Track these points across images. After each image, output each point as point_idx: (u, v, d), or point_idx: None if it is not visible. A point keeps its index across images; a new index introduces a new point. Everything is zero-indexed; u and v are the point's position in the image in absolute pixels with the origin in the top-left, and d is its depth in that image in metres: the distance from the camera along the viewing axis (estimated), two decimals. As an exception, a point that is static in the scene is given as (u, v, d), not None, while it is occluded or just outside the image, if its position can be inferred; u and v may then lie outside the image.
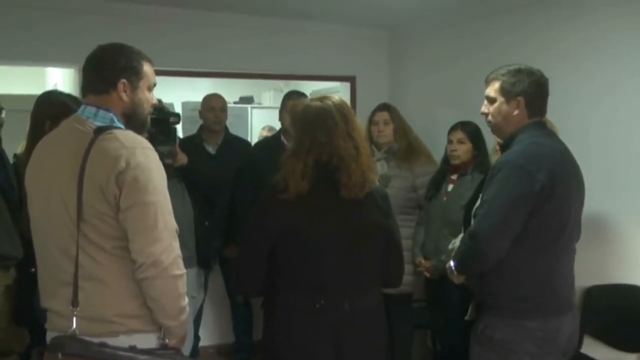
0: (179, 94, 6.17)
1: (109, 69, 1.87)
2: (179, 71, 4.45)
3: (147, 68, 1.94)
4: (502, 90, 2.26)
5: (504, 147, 2.29)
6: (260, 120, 6.87)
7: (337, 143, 2.07)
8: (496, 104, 2.28)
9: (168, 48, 4.12)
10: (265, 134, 6.07)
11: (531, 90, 2.23)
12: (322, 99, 2.15)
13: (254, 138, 6.34)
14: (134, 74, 1.90)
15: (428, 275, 3.46)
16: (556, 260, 2.21)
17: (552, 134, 2.30)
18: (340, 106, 2.14)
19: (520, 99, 2.23)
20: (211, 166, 3.87)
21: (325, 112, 2.10)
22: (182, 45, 4.27)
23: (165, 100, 3.72)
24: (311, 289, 2.07)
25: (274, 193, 2.08)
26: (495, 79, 2.29)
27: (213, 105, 4.04)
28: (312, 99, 2.18)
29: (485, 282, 2.24)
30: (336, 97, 2.19)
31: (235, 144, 4.09)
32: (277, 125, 4.25)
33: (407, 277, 3.51)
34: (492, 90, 2.29)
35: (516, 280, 2.18)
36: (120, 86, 1.88)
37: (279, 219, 2.06)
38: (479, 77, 2.43)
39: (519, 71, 2.25)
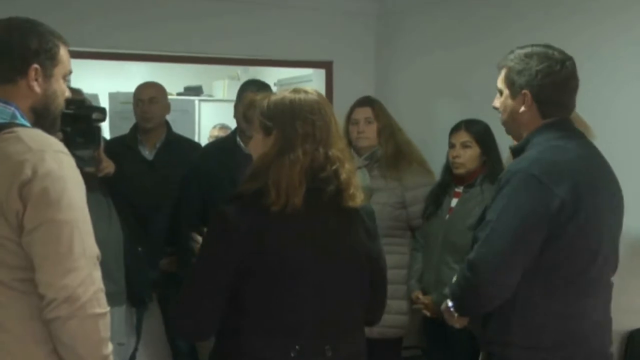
0: (105, 82, 6.14)
1: (17, 52, 1.87)
2: (105, 53, 4.42)
3: (63, 52, 1.95)
4: (507, 81, 2.28)
5: (515, 152, 2.30)
6: (210, 117, 6.86)
7: (332, 142, 2.10)
8: (502, 98, 2.31)
9: (89, 24, 4.08)
10: (217, 133, 6.07)
11: (540, 82, 2.21)
12: (302, 91, 2.16)
13: (202, 139, 6.33)
14: (49, 59, 1.90)
15: (428, 314, 3.47)
16: (584, 297, 2.20)
17: (577, 136, 2.29)
18: (326, 101, 2.17)
19: (526, 92, 2.23)
20: (147, 175, 3.85)
21: (317, 105, 2.12)
22: (108, 20, 4.23)
23: (87, 90, 3.70)
24: (285, 333, 2.06)
25: (244, 207, 2.06)
26: (503, 65, 2.30)
27: (140, 97, 4.03)
28: (286, 92, 2.18)
29: (490, 327, 2.24)
30: (314, 90, 2.20)
31: (179, 147, 4.08)
32: (232, 123, 4.25)
33: (397, 317, 3.58)
34: (500, 79, 2.31)
35: (529, 325, 2.17)
36: (32, 73, 1.87)
37: (248, 241, 2.03)
38: (490, 63, 2.45)
39: (529, 55, 2.24)
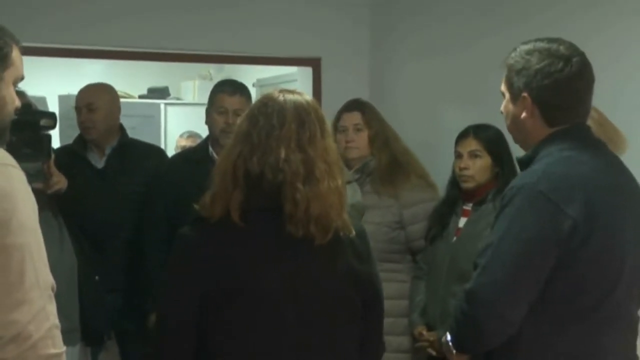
0: (54, 83, 6.15)
1: None
2: (55, 49, 4.43)
3: (15, 54, 1.94)
4: (507, 82, 2.27)
5: (522, 165, 2.30)
6: (178, 123, 6.87)
7: (274, 149, 2.10)
8: (504, 102, 2.30)
9: (36, 16, 4.10)
10: (185, 143, 6.08)
11: (540, 83, 2.19)
12: (285, 91, 2.21)
13: (169, 149, 6.34)
14: None
15: (433, 353, 3.46)
16: (599, 336, 2.18)
17: (593, 145, 2.27)
18: (301, 107, 2.18)
19: (526, 95, 2.21)
20: (99, 187, 3.84)
21: (275, 106, 2.15)
22: (58, 12, 4.25)
23: (32, 92, 3.71)
24: None
25: (195, 230, 2.11)
26: (505, 63, 2.29)
27: (77, 104, 4.01)
28: (275, 90, 2.24)
29: None
30: (307, 96, 2.24)
31: (135, 151, 4.04)
32: (203, 131, 4.26)
33: (398, 356, 3.57)
34: (503, 81, 2.30)
35: None
36: None
37: (203, 268, 2.08)
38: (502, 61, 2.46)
39: (530, 52, 2.23)
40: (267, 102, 2.17)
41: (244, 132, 2.14)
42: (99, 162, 3.97)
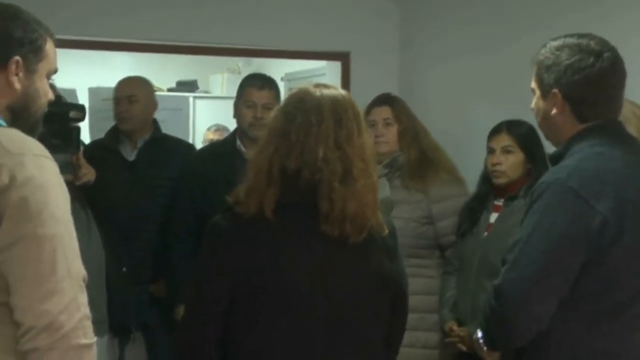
0: (85, 76, 6.19)
1: None
2: (85, 42, 4.45)
3: (49, 46, 1.96)
4: (538, 79, 2.26)
5: (553, 161, 2.29)
6: (206, 116, 6.89)
7: (312, 147, 2.08)
8: (534, 99, 2.29)
9: (68, 8, 4.11)
10: (213, 136, 6.10)
11: (570, 79, 2.18)
12: (321, 86, 2.19)
13: (197, 142, 6.37)
14: (33, 52, 1.91)
15: (464, 348, 3.45)
16: (632, 333, 2.17)
17: (625, 140, 2.25)
18: (339, 103, 2.15)
19: (556, 92, 2.20)
20: (129, 180, 3.86)
21: (313, 102, 2.13)
22: (89, 4, 4.27)
23: (62, 85, 3.73)
24: None
25: (228, 220, 2.10)
26: (535, 59, 2.28)
27: (117, 95, 4.05)
28: (310, 84, 2.21)
29: None
30: (343, 91, 2.22)
31: (166, 146, 4.08)
32: (231, 124, 4.26)
33: (425, 352, 3.57)
34: (533, 77, 2.29)
35: None
36: (12, 66, 1.88)
37: (235, 259, 2.07)
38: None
39: (560, 48, 2.21)
40: (303, 97, 2.14)
41: (280, 129, 2.12)
42: (130, 155, 3.99)
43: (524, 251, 2.11)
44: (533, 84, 2.29)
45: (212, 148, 4.34)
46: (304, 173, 2.06)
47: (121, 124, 4.00)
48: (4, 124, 1.88)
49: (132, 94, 3.98)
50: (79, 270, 1.81)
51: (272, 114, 2.21)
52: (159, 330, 3.83)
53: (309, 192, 2.07)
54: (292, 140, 2.08)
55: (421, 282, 3.57)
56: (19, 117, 1.92)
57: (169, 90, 7.16)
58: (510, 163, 3.42)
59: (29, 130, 1.92)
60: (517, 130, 3.44)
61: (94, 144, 4.15)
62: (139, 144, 3.99)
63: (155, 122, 4.11)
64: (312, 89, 2.15)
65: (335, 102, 2.14)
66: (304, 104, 2.12)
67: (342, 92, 2.21)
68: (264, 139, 2.16)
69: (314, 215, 2.08)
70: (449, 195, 3.70)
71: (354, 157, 2.10)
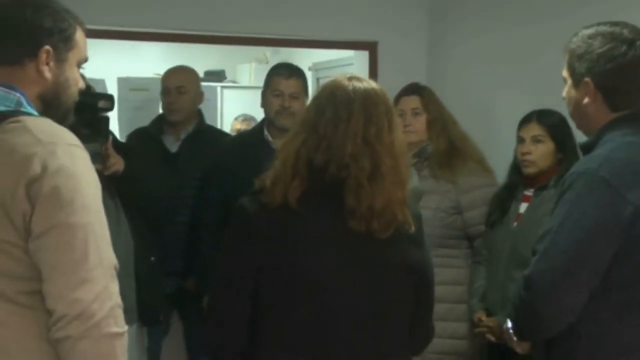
0: (113, 66, 6.21)
1: (29, 30, 1.89)
2: (114, 32, 4.47)
3: (79, 35, 1.98)
4: (569, 68, 2.25)
5: (585, 150, 2.28)
6: (234, 106, 6.91)
7: (341, 143, 2.07)
8: (566, 88, 2.28)
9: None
10: (240, 126, 6.11)
11: (603, 68, 2.17)
12: (354, 78, 2.17)
13: (225, 131, 6.40)
14: (63, 41, 1.93)
15: (492, 338, 3.44)
16: None
17: None
18: (369, 98, 2.13)
19: (588, 81, 2.19)
20: (168, 170, 3.89)
21: (343, 96, 2.12)
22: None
23: (91, 75, 3.75)
24: (310, 355, 2.09)
25: (255, 204, 2.10)
26: (566, 48, 2.27)
27: (166, 85, 4.07)
28: (345, 75, 2.19)
29: (554, 355, 2.23)
30: (376, 85, 2.20)
31: (209, 138, 4.10)
32: (258, 114, 4.27)
33: (453, 342, 3.57)
34: (564, 66, 2.28)
35: (598, 356, 2.14)
36: (42, 56, 1.90)
37: (261, 243, 2.08)
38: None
39: (592, 36, 2.20)
40: (335, 90, 2.13)
41: (310, 121, 2.12)
42: (173, 146, 4.03)
43: (554, 241, 2.10)
44: (564, 73, 2.27)
45: (240, 138, 4.37)
46: (331, 168, 2.06)
47: (169, 115, 4.04)
48: (35, 113, 1.89)
49: (182, 85, 4.02)
50: (111, 258, 1.83)
51: (304, 104, 2.22)
52: (194, 319, 3.86)
53: (336, 187, 2.07)
54: (320, 134, 2.08)
55: (449, 273, 3.57)
56: (50, 106, 1.94)
57: (197, 80, 7.18)
58: (540, 153, 3.41)
59: (60, 119, 1.94)
60: (547, 120, 3.43)
61: (138, 132, 4.18)
62: (182, 136, 4.04)
63: (200, 113, 4.13)
64: (345, 82, 2.14)
65: (366, 97, 2.12)
66: (335, 98, 2.11)
67: (375, 86, 2.19)
68: (293, 130, 2.16)
69: (340, 210, 2.07)
70: (477, 185, 3.69)
71: (383, 153, 2.09)
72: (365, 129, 2.09)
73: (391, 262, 2.15)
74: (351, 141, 2.07)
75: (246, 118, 6.23)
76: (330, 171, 2.06)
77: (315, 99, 2.17)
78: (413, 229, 2.16)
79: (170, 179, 3.80)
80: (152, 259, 3.34)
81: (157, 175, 3.60)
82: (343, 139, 2.07)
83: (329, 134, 2.08)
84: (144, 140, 3.96)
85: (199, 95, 4.13)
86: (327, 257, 2.09)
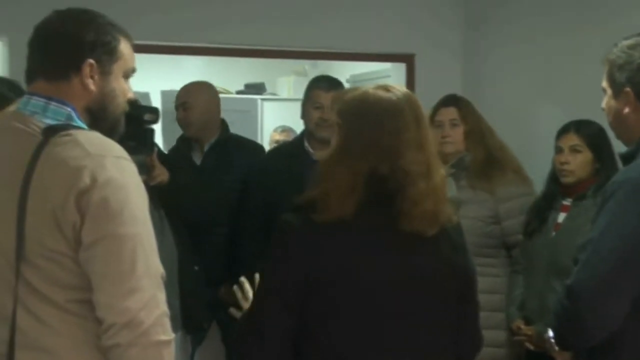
0: (157, 79, 6.26)
1: (71, 45, 1.90)
2: (158, 46, 4.51)
3: (124, 47, 1.99)
4: (609, 78, 2.23)
5: (625, 160, 2.26)
6: (274, 118, 6.92)
7: (403, 152, 2.07)
8: (606, 98, 2.26)
9: (142, 14, 4.17)
10: (279, 137, 6.13)
11: None
12: (386, 88, 2.16)
13: (265, 143, 6.41)
14: (106, 54, 1.94)
15: (531, 347, 3.43)
16: None
17: None
18: (412, 102, 2.14)
19: (628, 91, 2.17)
20: (197, 184, 3.89)
21: (394, 106, 2.11)
22: (161, 10, 4.32)
23: (137, 88, 3.79)
24: None
25: (302, 219, 2.07)
26: (606, 59, 2.25)
27: (175, 103, 4.08)
28: (370, 87, 2.18)
29: None
30: (404, 89, 2.20)
31: (232, 148, 4.07)
32: (297, 125, 4.28)
33: (492, 350, 3.49)
34: (604, 77, 2.26)
35: None
36: (86, 69, 1.91)
37: (309, 258, 2.05)
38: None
39: (632, 47, 2.19)
40: (379, 102, 2.11)
41: (366, 135, 2.08)
42: (198, 159, 4.03)
43: (596, 251, 2.08)
44: (604, 84, 2.26)
45: (281, 149, 4.40)
46: (393, 177, 2.05)
47: (183, 131, 4.06)
48: (85, 126, 1.91)
49: (185, 101, 4.00)
50: (158, 268, 1.84)
51: (346, 119, 2.16)
52: (233, 327, 3.86)
53: (393, 195, 2.06)
54: (384, 146, 2.06)
55: (488, 281, 3.54)
56: (98, 118, 1.95)
57: (238, 92, 7.20)
58: (578, 162, 3.39)
59: (110, 130, 1.96)
60: (585, 130, 3.41)
61: (171, 150, 4.21)
62: (206, 148, 4.03)
63: (223, 123, 4.12)
64: (383, 93, 2.12)
65: (411, 103, 2.13)
66: (386, 110, 2.10)
67: (407, 91, 2.20)
68: (342, 145, 2.11)
69: (392, 218, 2.06)
70: (515, 195, 3.67)
71: (430, 155, 2.11)
72: (417, 134, 2.10)
73: (438, 266, 2.14)
74: (411, 148, 2.08)
75: (284, 129, 6.24)
76: (392, 180, 2.05)
77: (361, 114, 2.12)
78: (455, 219, 2.16)
79: (200, 191, 3.80)
80: (196, 268, 3.34)
81: (188, 187, 3.62)
82: (405, 147, 2.07)
83: (391, 145, 2.07)
84: (175, 155, 3.98)
85: (212, 108, 4.05)
86: (378, 268, 2.07)
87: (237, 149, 4.08)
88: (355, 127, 2.11)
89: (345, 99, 2.17)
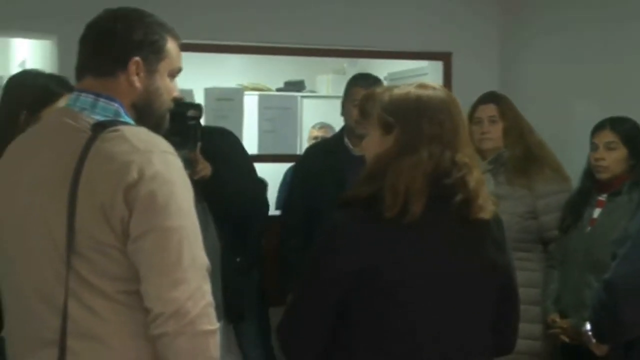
0: (201, 77, 6.28)
1: (119, 43, 1.91)
2: (201, 45, 4.53)
3: (171, 46, 1.99)
4: None
5: None
6: (313, 114, 6.92)
7: (460, 146, 2.08)
8: None
9: (187, 14, 4.20)
10: (317, 133, 6.13)
11: None
12: (426, 87, 2.15)
13: (304, 139, 6.42)
14: (153, 52, 1.94)
15: (566, 340, 3.42)
16: None
17: None
18: (455, 99, 2.16)
19: None
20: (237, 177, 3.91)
21: (445, 103, 2.11)
22: (205, 10, 4.35)
23: (181, 85, 3.81)
24: (401, 357, 2.06)
25: (355, 214, 2.05)
26: None
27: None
28: (410, 86, 2.16)
29: (633, 357, 2.19)
30: (440, 85, 2.21)
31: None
32: (335, 122, 4.27)
33: (528, 343, 3.50)
34: None
35: None
36: (132, 67, 1.92)
37: (360, 253, 2.03)
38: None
39: None
40: (434, 100, 2.11)
41: (426, 134, 2.07)
42: None
43: (636, 246, 2.09)
44: None
45: (321, 145, 4.41)
46: (454, 169, 2.05)
47: None
48: (132, 122, 1.92)
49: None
50: (203, 260, 1.84)
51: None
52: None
53: (453, 186, 2.05)
54: (444, 142, 2.06)
55: (525, 275, 3.50)
56: (143, 114, 1.96)
57: (278, 90, 7.21)
58: (613, 159, 3.38)
59: (155, 126, 1.96)
60: (621, 127, 3.38)
61: None
62: None
63: None
64: (431, 91, 2.12)
65: (454, 99, 2.14)
66: (440, 106, 2.09)
67: (444, 88, 2.21)
68: (405, 141, 2.08)
69: (453, 207, 2.05)
70: (553, 191, 3.66)
71: (471, 149, 2.14)
72: (466, 129, 2.14)
73: (480, 264, 2.12)
74: (465, 142, 2.10)
75: (323, 125, 6.24)
76: (452, 173, 2.05)
77: (417, 112, 2.09)
78: (495, 204, 2.15)
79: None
80: (238, 259, 3.36)
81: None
82: (461, 141, 2.08)
83: (450, 140, 2.06)
84: None
85: None
86: (425, 263, 2.05)
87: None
88: (414, 125, 2.08)
89: (393, 98, 2.13)
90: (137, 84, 1.93)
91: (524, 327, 3.46)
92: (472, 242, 2.10)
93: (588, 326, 2.31)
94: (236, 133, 4.25)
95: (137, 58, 1.92)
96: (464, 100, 3.85)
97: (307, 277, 2.13)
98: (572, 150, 3.81)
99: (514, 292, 2.24)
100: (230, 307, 3.28)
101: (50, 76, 2.87)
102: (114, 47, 1.92)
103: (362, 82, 3.79)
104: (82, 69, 1.96)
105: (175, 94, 2.05)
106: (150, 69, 1.95)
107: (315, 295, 2.09)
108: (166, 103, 2.02)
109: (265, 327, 3.87)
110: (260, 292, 3.87)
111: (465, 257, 2.10)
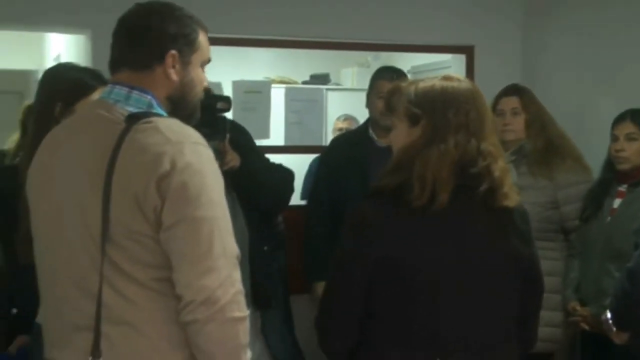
0: (228, 70, 6.30)
1: (155, 37, 1.93)
2: (230, 39, 4.54)
3: (202, 38, 2.01)
4: None
5: None
6: (338, 107, 6.92)
7: (486, 135, 2.09)
8: None
9: (215, 9, 4.20)
10: (342, 125, 6.13)
11: None
12: (451, 79, 2.16)
13: (329, 130, 6.42)
14: (187, 45, 1.96)
15: (586, 327, 3.41)
16: None
17: None
18: (478, 89, 2.17)
19: None
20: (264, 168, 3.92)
21: (471, 93, 2.12)
22: (233, 4, 4.36)
23: (210, 78, 3.83)
24: (424, 345, 2.06)
25: (383, 204, 2.07)
26: None
27: None
28: (435, 79, 2.17)
29: None
30: (463, 77, 2.22)
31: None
32: (360, 114, 4.27)
33: (549, 330, 3.49)
34: None
35: None
36: (169, 60, 1.94)
37: (387, 241, 2.04)
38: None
39: None
40: (461, 91, 2.12)
41: (454, 124, 2.08)
42: None
43: None
44: None
45: (346, 136, 4.42)
46: (479, 161, 2.06)
47: None
48: (164, 113, 1.93)
49: None
50: (233, 249, 1.85)
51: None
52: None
53: (479, 175, 2.06)
54: (471, 132, 2.07)
55: (546, 264, 3.46)
56: (178, 106, 1.98)
57: (303, 82, 7.22)
58: (634, 150, 3.37)
59: (188, 117, 1.99)
60: None
61: None
62: None
63: None
64: (456, 83, 2.13)
65: (478, 90, 2.15)
66: (466, 97, 2.10)
67: (468, 79, 2.22)
68: (433, 132, 2.09)
69: (478, 195, 2.06)
70: (574, 182, 3.65)
71: (496, 137, 2.14)
72: (491, 119, 2.15)
73: (504, 253, 2.12)
74: (490, 132, 2.11)
75: (347, 117, 6.25)
76: (478, 162, 2.06)
77: (444, 103, 2.09)
78: (518, 193, 2.16)
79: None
80: (265, 248, 3.37)
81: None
82: (487, 131, 2.10)
83: (476, 129, 2.08)
84: None
85: None
86: (450, 250, 2.06)
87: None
88: (440, 115, 2.09)
89: (419, 90, 2.14)
90: (174, 76, 1.95)
91: (544, 315, 3.46)
92: (496, 230, 2.11)
93: (608, 314, 2.30)
94: (264, 125, 4.28)
95: (173, 51, 1.94)
96: (486, 93, 3.81)
97: (339, 264, 2.14)
98: (593, 142, 3.79)
99: (539, 286, 2.25)
100: (258, 293, 3.29)
101: (84, 69, 2.89)
102: (151, 41, 1.93)
103: (386, 75, 3.80)
104: (117, 63, 1.97)
105: (205, 84, 2.07)
106: (185, 61, 1.97)
107: (345, 281, 2.10)
108: (199, 94, 2.05)
109: (288, 314, 3.89)
110: (285, 280, 3.88)
111: (490, 245, 2.10)
